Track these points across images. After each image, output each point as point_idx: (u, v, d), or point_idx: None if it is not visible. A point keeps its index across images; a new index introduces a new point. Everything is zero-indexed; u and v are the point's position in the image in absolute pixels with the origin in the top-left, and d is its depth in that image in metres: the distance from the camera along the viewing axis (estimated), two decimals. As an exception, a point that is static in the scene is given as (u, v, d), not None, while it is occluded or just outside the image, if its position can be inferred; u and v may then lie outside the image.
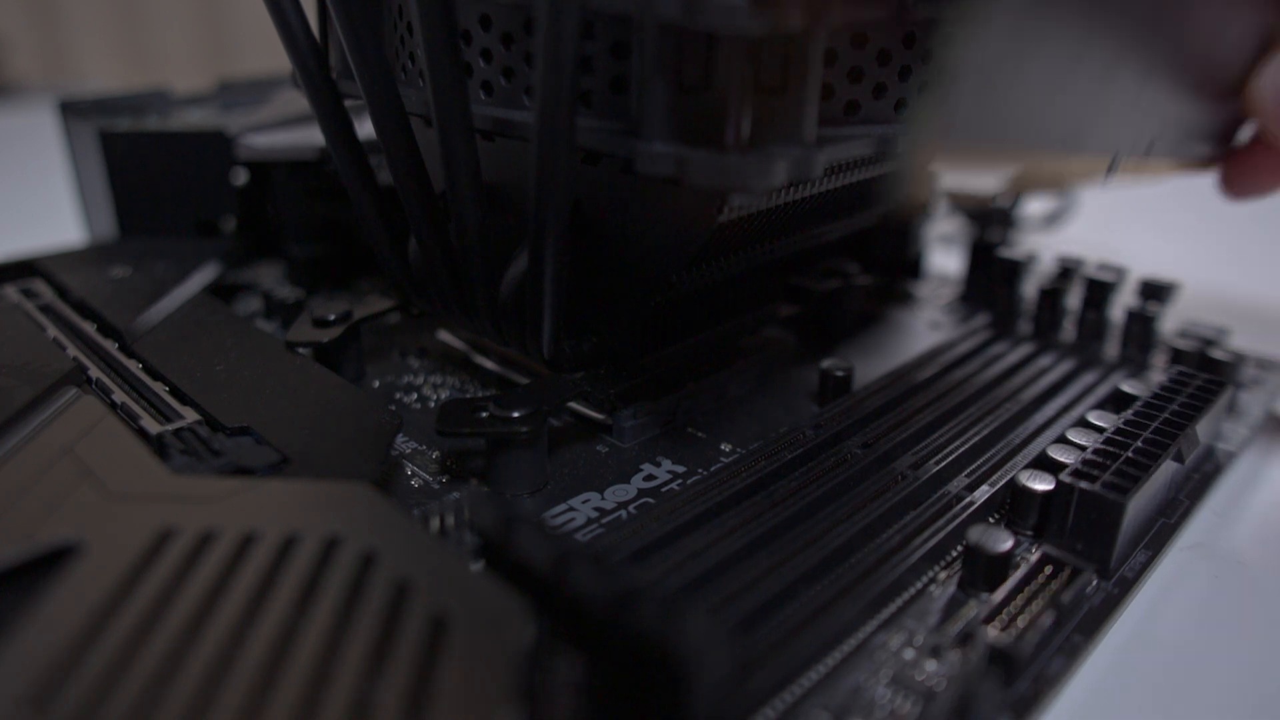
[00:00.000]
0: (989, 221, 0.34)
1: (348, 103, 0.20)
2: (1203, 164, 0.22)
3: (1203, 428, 0.20)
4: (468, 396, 0.23)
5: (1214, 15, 0.18)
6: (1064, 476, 0.17)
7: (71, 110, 0.31)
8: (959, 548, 0.18)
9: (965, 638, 0.15)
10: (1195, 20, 0.17)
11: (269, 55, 0.86)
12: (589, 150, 0.17)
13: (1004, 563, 0.16)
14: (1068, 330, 0.27)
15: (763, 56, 0.15)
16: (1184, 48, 0.18)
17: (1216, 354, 0.24)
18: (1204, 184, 0.26)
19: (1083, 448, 0.19)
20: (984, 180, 0.17)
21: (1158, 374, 0.25)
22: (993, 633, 0.15)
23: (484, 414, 0.19)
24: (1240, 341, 0.27)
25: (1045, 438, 0.21)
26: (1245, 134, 0.22)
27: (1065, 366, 0.25)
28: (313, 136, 0.29)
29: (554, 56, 0.15)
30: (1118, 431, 0.19)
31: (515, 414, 0.19)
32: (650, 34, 0.15)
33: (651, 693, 0.12)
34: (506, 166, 0.21)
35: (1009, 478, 0.19)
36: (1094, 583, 0.17)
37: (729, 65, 0.15)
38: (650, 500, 0.19)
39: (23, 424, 0.17)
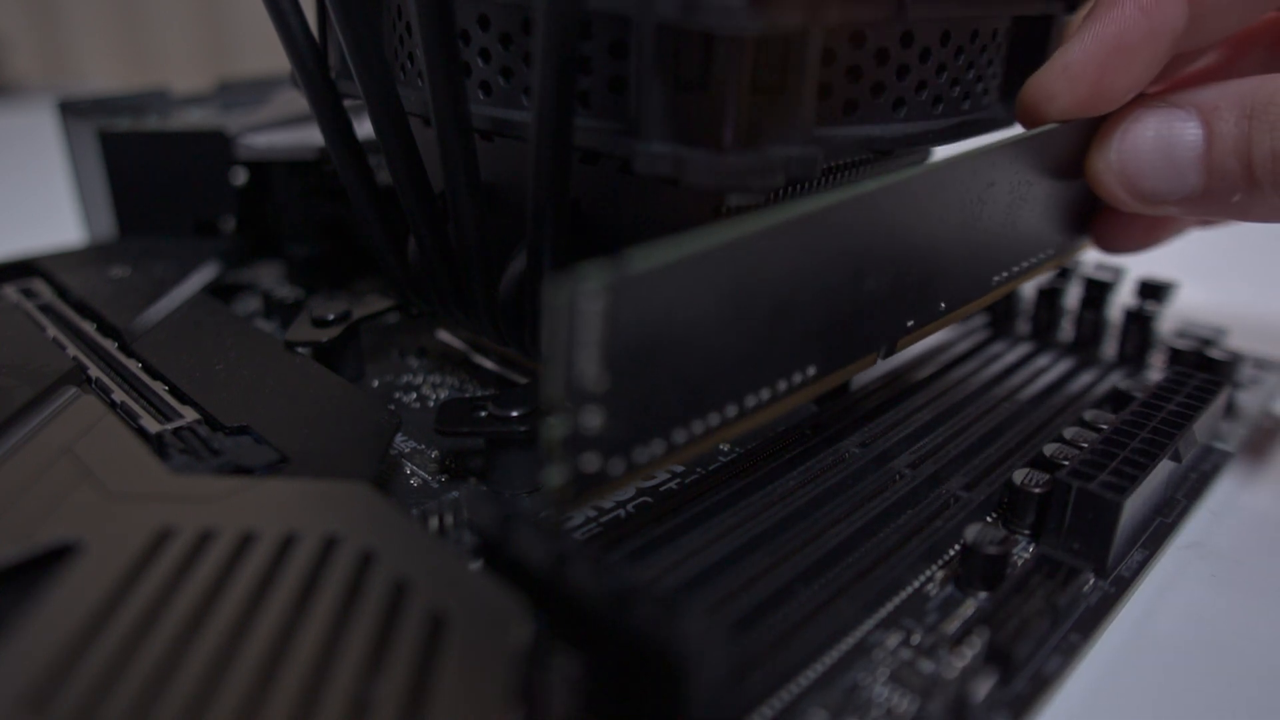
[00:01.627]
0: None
1: (347, 102, 0.21)
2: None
3: (1200, 427, 0.20)
4: (467, 396, 0.23)
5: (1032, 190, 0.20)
6: (1061, 476, 0.18)
7: (71, 110, 0.31)
8: (956, 547, 0.18)
9: (962, 637, 0.15)
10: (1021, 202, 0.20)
11: (269, 55, 0.86)
12: (587, 150, 0.17)
13: (1001, 562, 0.16)
14: (1065, 330, 0.27)
15: (760, 56, 0.15)
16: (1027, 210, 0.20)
17: (1214, 354, 0.24)
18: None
19: (1080, 447, 0.20)
20: None
21: (1155, 373, 0.25)
22: (990, 632, 0.15)
23: (483, 413, 0.19)
24: (1238, 341, 0.27)
25: (1042, 437, 0.21)
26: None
27: (1063, 366, 0.25)
28: (312, 136, 0.29)
29: (552, 56, 0.15)
30: (1115, 431, 0.19)
31: (514, 413, 0.19)
32: (648, 34, 0.15)
33: (649, 691, 0.12)
34: (505, 166, 0.21)
35: (1006, 477, 0.19)
36: (1091, 582, 0.17)
37: (727, 65, 0.15)
38: (648, 499, 0.19)
39: (22, 423, 0.17)
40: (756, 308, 0.15)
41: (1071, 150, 0.21)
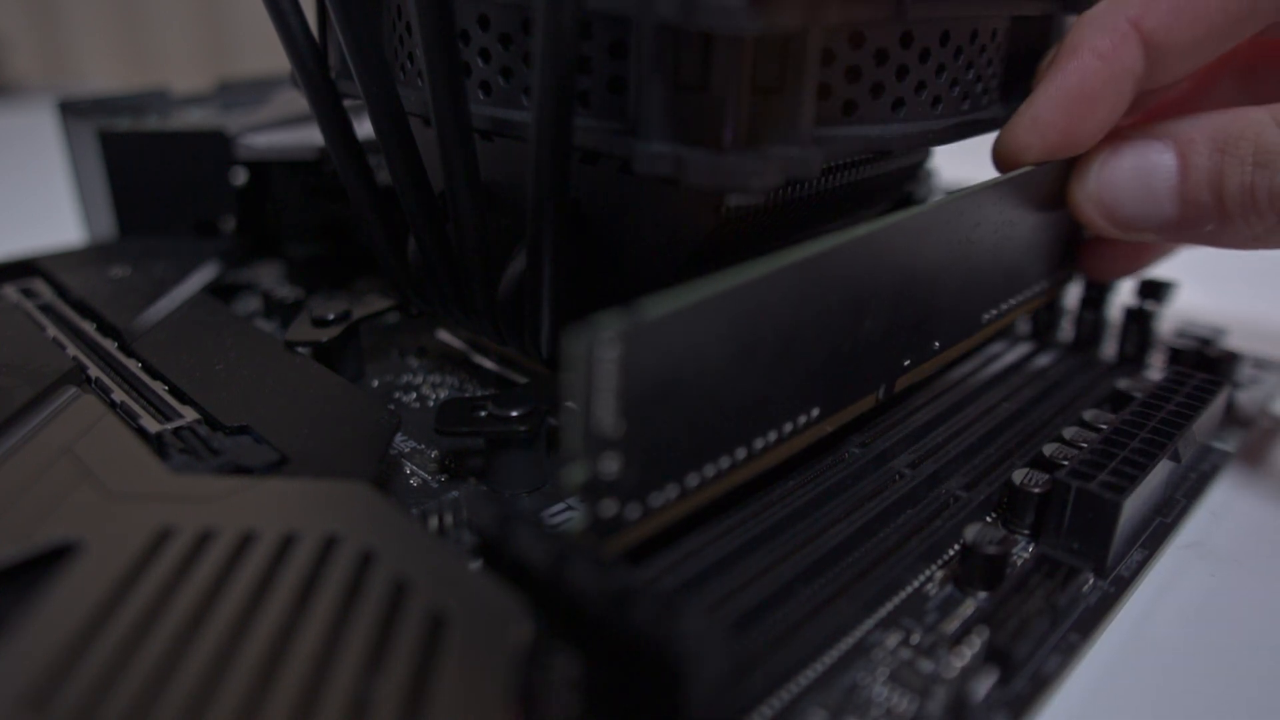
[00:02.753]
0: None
1: (347, 102, 0.21)
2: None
3: (1199, 427, 0.20)
4: (466, 396, 0.23)
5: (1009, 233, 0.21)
6: (1061, 476, 0.18)
7: (71, 110, 0.31)
8: (956, 547, 0.18)
9: (962, 636, 0.15)
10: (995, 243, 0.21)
11: (269, 55, 0.86)
12: (587, 150, 0.17)
13: (1001, 562, 0.17)
14: (1065, 329, 0.27)
15: (760, 56, 0.15)
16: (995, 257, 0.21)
17: (1213, 353, 0.24)
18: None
19: (1080, 447, 0.20)
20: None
21: (1155, 373, 0.25)
22: (989, 631, 0.15)
23: (483, 413, 0.19)
24: (1237, 341, 0.27)
25: (1042, 437, 0.21)
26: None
27: (1063, 366, 0.25)
28: (312, 136, 0.29)
29: (552, 56, 0.15)
30: (1115, 431, 0.19)
31: (514, 413, 0.19)
32: (648, 34, 0.15)
33: (649, 691, 0.12)
34: (505, 166, 0.21)
35: (1006, 477, 0.19)
36: (1090, 582, 0.17)
37: (726, 65, 0.15)
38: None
39: (22, 423, 0.17)
40: (762, 351, 0.15)
41: (1051, 189, 0.21)
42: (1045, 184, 0.21)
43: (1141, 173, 0.20)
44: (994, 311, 0.22)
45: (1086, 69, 0.19)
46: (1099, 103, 0.20)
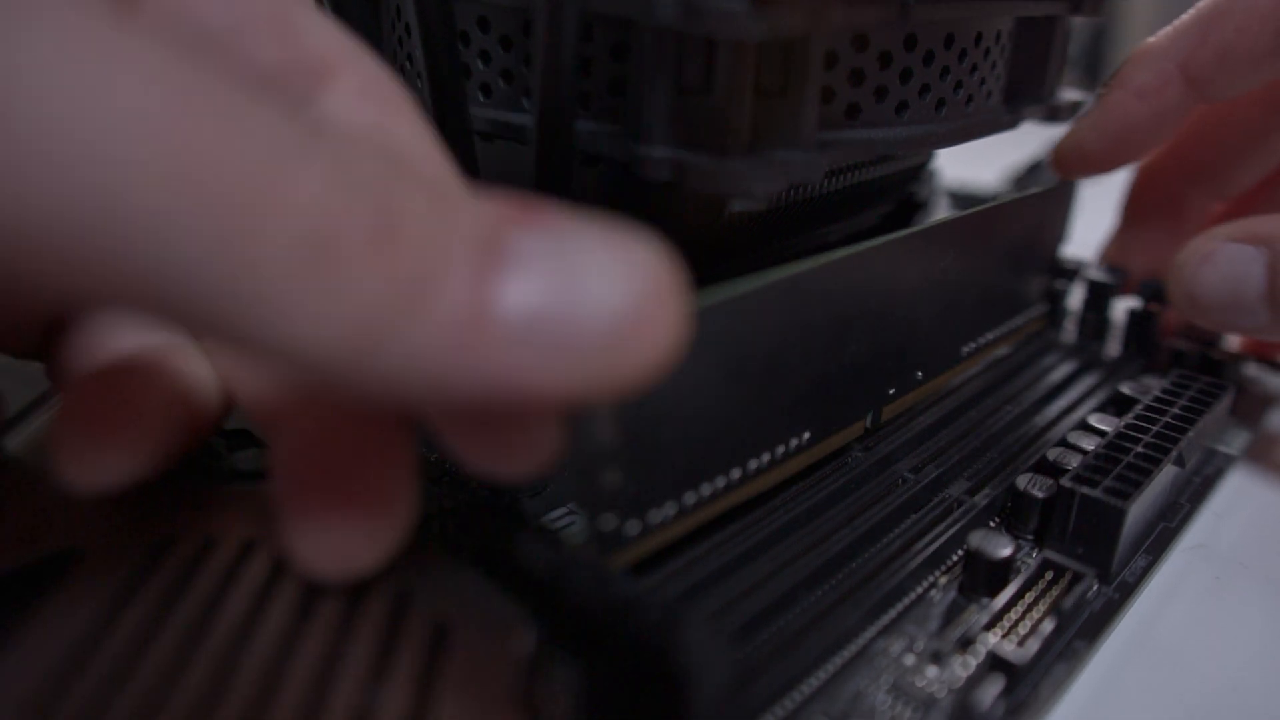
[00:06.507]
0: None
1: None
2: None
3: (1204, 431, 0.20)
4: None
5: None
6: (1065, 481, 0.17)
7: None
8: (960, 553, 0.18)
9: (966, 643, 0.15)
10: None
11: (269, 53, 0.85)
12: (588, 153, 0.17)
13: (1005, 568, 0.16)
14: (1069, 331, 0.27)
15: (763, 60, 0.15)
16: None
17: (1217, 355, 0.24)
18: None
19: (1084, 451, 0.19)
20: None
21: (1159, 376, 0.25)
22: (993, 638, 0.15)
23: (483, 417, 0.19)
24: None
25: (1046, 441, 0.21)
26: None
27: (1066, 368, 0.25)
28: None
29: (553, 59, 0.15)
30: (1119, 435, 0.19)
31: (515, 417, 0.18)
32: (649, 37, 0.15)
33: (651, 700, 0.12)
34: (506, 168, 0.21)
35: (1009, 482, 0.19)
36: (1095, 587, 0.17)
37: (729, 69, 0.14)
38: (650, 504, 0.19)
39: (21, 427, 0.17)
40: (751, 368, 0.15)
41: (1019, 227, 0.22)
42: (1008, 224, 0.22)
43: (1231, 280, 0.20)
44: (972, 345, 0.22)
45: (1126, 106, 0.21)
46: (1139, 133, 0.21)
